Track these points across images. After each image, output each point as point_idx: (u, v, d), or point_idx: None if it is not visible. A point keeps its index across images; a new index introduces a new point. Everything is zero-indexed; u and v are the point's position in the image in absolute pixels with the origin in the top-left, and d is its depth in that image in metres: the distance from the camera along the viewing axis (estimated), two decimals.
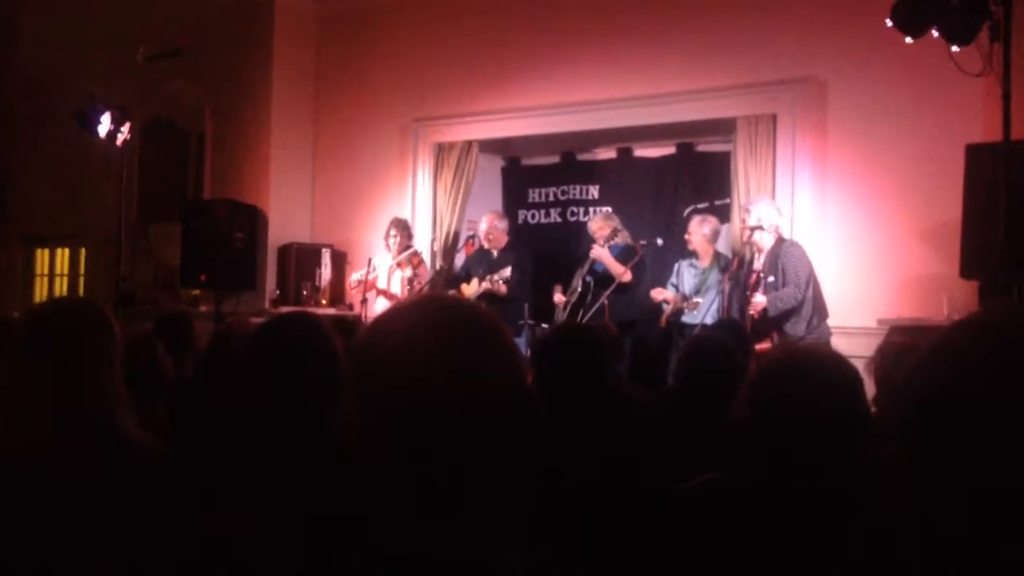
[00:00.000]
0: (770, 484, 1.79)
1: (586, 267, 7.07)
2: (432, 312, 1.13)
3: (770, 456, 1.79)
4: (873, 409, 3.50)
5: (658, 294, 6.64)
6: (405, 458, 1.06)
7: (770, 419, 1.80)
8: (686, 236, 6.66)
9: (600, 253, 6.89)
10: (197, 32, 8.89)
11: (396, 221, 7.71)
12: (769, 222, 5.94)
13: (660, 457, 2.65)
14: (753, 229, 5.92)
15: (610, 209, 7.74)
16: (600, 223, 7.08)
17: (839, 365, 1.88)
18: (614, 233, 6.96)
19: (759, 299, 5.70)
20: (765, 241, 5.94)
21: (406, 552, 1.04)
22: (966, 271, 5.28)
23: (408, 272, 7.47)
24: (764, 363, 1.92)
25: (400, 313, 1.15)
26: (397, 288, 7.49)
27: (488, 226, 7.51)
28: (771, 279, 5.73)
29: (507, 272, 7.01)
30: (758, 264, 5.95)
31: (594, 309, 6.67)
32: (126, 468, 2.01)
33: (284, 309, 8.02)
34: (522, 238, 8.43)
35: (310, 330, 2.25)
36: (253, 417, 2.18)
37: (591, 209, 8.14)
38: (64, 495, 1.93)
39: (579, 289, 7.03)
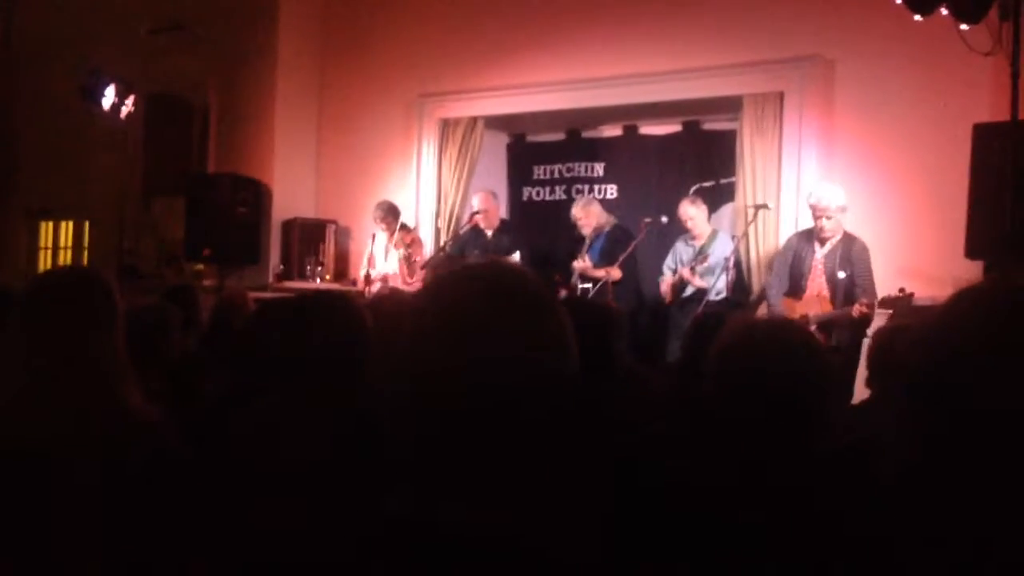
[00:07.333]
0: (735, 455, 1.79)
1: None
2: (488, 279, 1.09)
3: (731, 426, 1.80)
4: (868, 391, 3.52)
5: (664, 286, 6.61)
6: (450, 430, 1.03)
7: (727, 390, 1.81)
8: (687, 222, 6.55)
9: (582, 267, 6.89)
10: (202, 5, 8.85)
11: (380, 204, 7.59)
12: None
13: (664, 434, 2.65)
14: (840, 209, 5.66)
15: (594, 197, 7.69)
16: (581, 211, 7.01)
17: (796, 334, 1.87)
18: (599, 230, 6.93)
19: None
20: (835, 229, 5.73)
21: (439, 525, 1.01)
22: (971, 251, 5.27)
23: (402, 251, 7.45)
24: (723, 336, 1.90)
25: (456, 279, 1.11)
26: (395, 267, 7.47)
27: (481, 205, 7.42)
28: (840, 275, 5.56)
29: (514, 259, 6.98)
30: (820, 253, 5.76)
31: (594, 291, 6.67)
32: (126, 440, 2.00)
33: (289, 284, 8.04)
34: (526, 215, 8.42)
35: (352, 308, 2.27)
36: (281, 388, 2.17)
37: (596, 187, 8.11)
38: (62, 467, 1.92)
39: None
